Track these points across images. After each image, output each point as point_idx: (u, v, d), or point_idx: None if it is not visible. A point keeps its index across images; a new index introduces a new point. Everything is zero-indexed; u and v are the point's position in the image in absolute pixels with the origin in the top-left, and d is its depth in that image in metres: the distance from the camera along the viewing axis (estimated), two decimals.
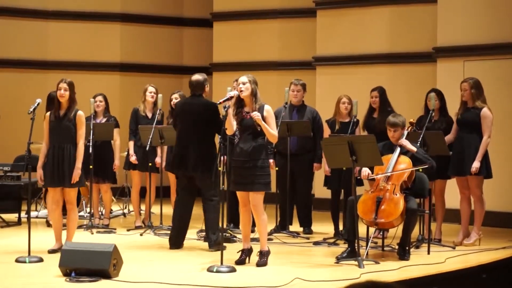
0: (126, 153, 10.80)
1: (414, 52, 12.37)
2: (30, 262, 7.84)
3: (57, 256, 7.38)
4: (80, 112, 8.38)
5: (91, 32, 14.98)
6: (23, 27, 14.62)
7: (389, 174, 8.21)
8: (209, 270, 7.44)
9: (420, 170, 8.32)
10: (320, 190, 11.27)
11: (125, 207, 12.55)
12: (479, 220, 9.24)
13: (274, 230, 9.85)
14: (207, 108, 8.77)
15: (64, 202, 8.48)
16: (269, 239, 8.83)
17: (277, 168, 9.98)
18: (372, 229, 8.56)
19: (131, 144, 10.59)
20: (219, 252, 7.56)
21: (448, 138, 9.22)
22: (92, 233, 9.99)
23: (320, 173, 10.34)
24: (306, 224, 10.29)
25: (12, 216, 11.00)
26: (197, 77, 9.00)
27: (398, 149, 8.37)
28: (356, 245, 7.88)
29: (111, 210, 11.46)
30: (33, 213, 11.00)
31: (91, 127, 10.19)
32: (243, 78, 7.81)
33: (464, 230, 9.32)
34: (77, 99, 8.51)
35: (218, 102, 7.77)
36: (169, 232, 9.62)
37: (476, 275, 7.94)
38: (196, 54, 15.66)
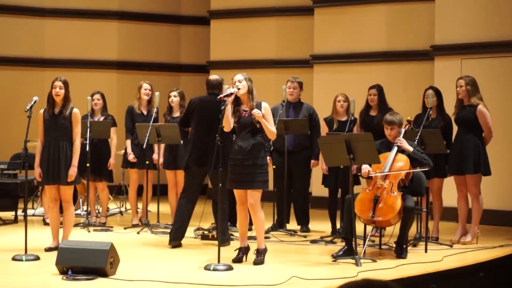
0: (123, 151, 10.78)
1: (412, 50, 12.37)
2: (26, 260, 7.82)
3: (54, 254, 7.37)
4: (75, 110, 8.36)
5: (89, 30, 14.97)
6: (20, 24, 14.60)
7: (387, 173, 8.19)
8: (206, 268, 7.43)
9: (420, 156, 8.30)
10: (318, 188, 11.27)
11: (122, 205, 12.53)
12: (477, 218, 9.24)
13: (271, 228, 9.84)
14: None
15: (60, 200, 8.47)
16: (266, 237, 8.82)
17: (274, 166, 9.97)
18: (369, 227, 8.56)
19: (128, 142, 10.58)
20: (216, 250, 7.55)
21: None
22: (89, 231, 9.98)
23: (318, 171, 10.34)
24: (304, 222, 10.28)
25: (9, 214, 10.98)
26: (215, 77, 9.18)
27: (396, 148, 8.36)
28: (353, 243, 7.87)
29: (108, 208, 11.44)
30: (29, 211, 10.98)
31: (88, 125, 10.18)
32: (239, 76, 7.81)
33: (462, 228, 9.32)
34: (75, 97, 8.50)
35: (218, 98, 7.74)
36: (166, 230, 9.62)
37: (474, 273, 7.93)
38: (194, 52, 15.65)
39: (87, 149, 10.03)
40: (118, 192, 13.14)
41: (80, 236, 9.12)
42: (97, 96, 10.70)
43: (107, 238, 8.66)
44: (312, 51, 13.29)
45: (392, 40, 12.59)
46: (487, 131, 9.17)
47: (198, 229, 9.60)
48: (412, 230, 8.62)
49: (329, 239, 9.44)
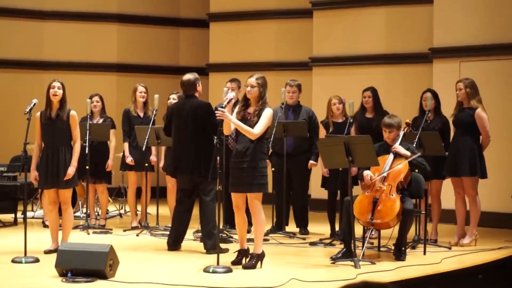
0: (122, 154, 10.79)
1: (410, 53, 12.39)
2: (26, 262, 7.83)
3: (53, 256, 7.37)
4: (73, 112, 8.36)
5: (88, 32, 14.99)
6: (19, 27, 14.62)
7: (389, 171, 8.20)
8: (205, 270, 7.44)
9: (417, 160, 8.31)
10: (317, 191, 11.28)
11: (121, 208, 12.54)
12: (475, 221, 9.25)
13: (270, 230, 9.85)
14: (199, 109, 8.63)
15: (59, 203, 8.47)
16: (265, 240, 8.83)
17: (273, 169, 9.98)
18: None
19: (126, 145, 10.58)
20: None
21: None
22: (88, 234, 9.98)
23: (317, 174, 10.35)
24: (303, 224, 10.29)
25: (8, 217, 10.99)
26: (188, 76, 8.81)
27: (392, 155, 8.37)
28: (352, 245, 7.88)
29: (107, 210, 11.45)
30: (29, 214, 10.99)
31: (88, 128, 10.19)
32: (252, 81, 7.65)
33: (460, 230, 9.33)
34: (74, 100, 8.53)
35: (223, 106, 7.59)
36: (165, 232, 9.62)
37: (472, 276, 7.95)
38: (193, 54, 15.67)
39: (87, 151, 10.04)
40: (118, 194, 13.14)
41: (79, 238, 9.13)
42: (95, 98, 10.71)
43: (106, 240, 8.68)
44: (311, 54, 13.31)
45: (391, 42, 12.61)
46: (484, 135, 9.19)
47: (197, 231, 9.60)
48: (411, 232, 8.62)
49: (328, 241, 9.46)
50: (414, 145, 8.71)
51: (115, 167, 11.04)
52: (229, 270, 7.44)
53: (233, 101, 7.70)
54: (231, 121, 7.50)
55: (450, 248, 8.98)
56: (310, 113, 10.20)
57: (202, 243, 8.81)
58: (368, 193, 8.24)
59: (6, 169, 11.10)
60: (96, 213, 11.04)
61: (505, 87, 11.04)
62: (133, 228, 10.43)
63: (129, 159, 10.49)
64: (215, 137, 7.65)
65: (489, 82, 10.78)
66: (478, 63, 11.14)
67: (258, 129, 7.53)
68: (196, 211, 9.07)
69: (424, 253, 8.55)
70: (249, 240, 8.17)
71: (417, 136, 8.90)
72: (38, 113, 8.40)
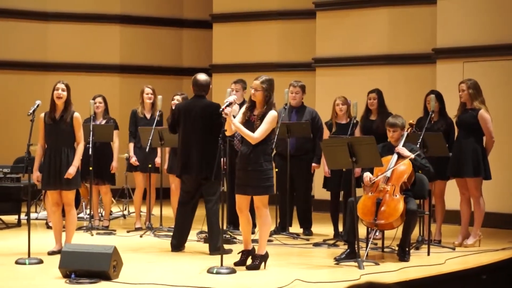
0: (126, 155, 10.79)
1: (414, 53, 12.37)
2: (30, 263, 7.84)
3: (57, 257, 7.37)
4: (76, 114, 8.37)
5: (91, 33, 14.99)
6: (23, 28, 14.63)
7: (389, 172, 8.20)
8: (209, 271, 7.44)
9: (420, 162, 8.31)
10: (320, 191, 11.27)
11: (125, 209, 12.55)
12: (479, 221, 9.24)
13: (274, 231, 9.84)
14: (210, 109, 8.60)
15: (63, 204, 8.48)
16: (269, 241, 8.82)
17: (276, 170, 9.97)
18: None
19: (131, 146, 10.60)
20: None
21: None
22: (92, 235, 9.98)
23: (320, 174, 10.34)
24: (306, 225, 10.28)
25: (12, 218, 10.99)
26: (204, 77, 8.78)
27: (396, 155, 8.36)
28: (356, 246, 7.88)
29: (111, 211, 11.46)
30: (32, 215, 10.99)
31: (91, 129, 10.19)
32: (257, 84, 7.60)
33: (464, 231, 9.33)
34: (77, 101, 8.52)
35: (221, 110, 7.59)
36: (169, 233, 9.62)
37: (476, 276, 7.94)
38: (196, 55, 15.67)
39: (90, 152, 10.04)
40: (121, 195, 13.15)
41: (83, 240, 9.14)
42: (98, 99, 10.72)
43: (110, 242, 8.68)
44: (314, 55, 13.30)
45: (394, 43, 12.60)
46: (487, 136, 9.18)
47: (201, 232, 9.60)
48: (415, 233, 8.62)
49: (331, 242, 9.45)
50: (418, 146, 8.70)
51: (119, 168, 11.03)
52: (233, 271, 7.44)
53: (233, 104, 7.65)
54: (231, 122, 7.51)
55: (454, 249, 8.97)
56: (314, 114, 10.18)
57: (206, 244, 8.82)
58: (372, 194, 8.23)
59: (9, 170, 11.11)
60: (100, 214, 11.04)
61: (509, 87, 11.02)
62: (137, 229, 10.43)
63: (133, 159, 10.51)
64: (219, 138, 7.64)
65: (492, 82, 10.76)
66: (482, 63, 11.13)
67: (258, 134, 7.53)
68: (199, 212, 9.07)
69: (428, 254, 8.55)
70: (253, 241, 8.16)
71: (421, 137, 8.89)
72: (42, 114, 8.41)
